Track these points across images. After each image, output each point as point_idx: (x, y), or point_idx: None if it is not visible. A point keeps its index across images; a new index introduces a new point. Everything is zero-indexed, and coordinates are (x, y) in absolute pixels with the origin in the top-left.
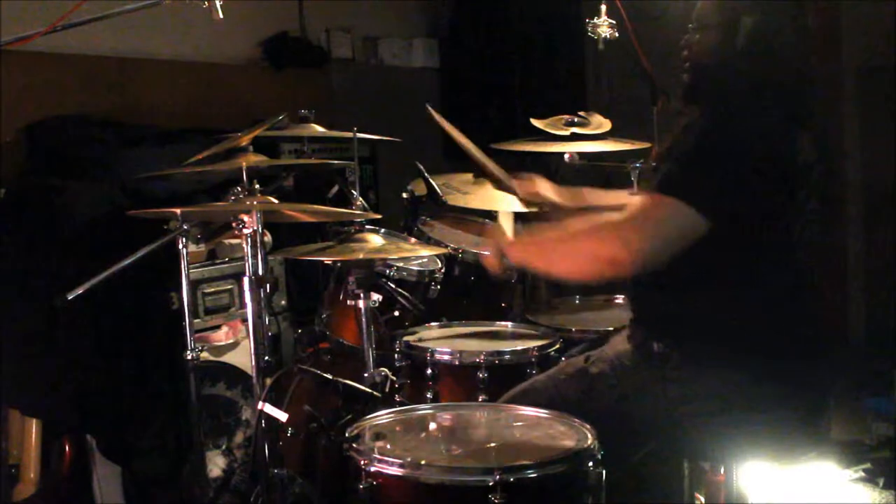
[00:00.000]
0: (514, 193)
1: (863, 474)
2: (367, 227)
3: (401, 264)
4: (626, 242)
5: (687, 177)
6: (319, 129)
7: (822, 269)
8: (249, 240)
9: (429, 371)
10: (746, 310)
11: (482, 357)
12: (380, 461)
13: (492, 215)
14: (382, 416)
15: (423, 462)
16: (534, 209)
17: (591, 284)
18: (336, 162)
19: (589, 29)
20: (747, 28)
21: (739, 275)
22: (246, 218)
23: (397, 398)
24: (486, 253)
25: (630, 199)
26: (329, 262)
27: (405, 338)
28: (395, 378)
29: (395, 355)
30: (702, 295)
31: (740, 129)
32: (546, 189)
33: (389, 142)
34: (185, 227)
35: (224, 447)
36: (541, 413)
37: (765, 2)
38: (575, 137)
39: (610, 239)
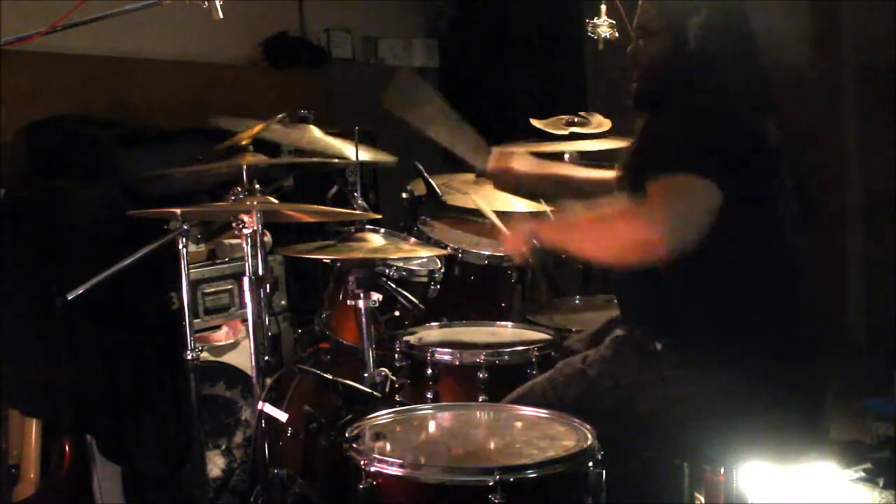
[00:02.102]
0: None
1: (863, 474)
2: (367, 227)
3: (401, 264)
4: (654, 223)
5: (686, 153)
6: (318, 132)
7: (822, 268)
8: (249, 240)
9: (429, 371)
10: (744, 308)
11: (482, 357)
12: (380, 461)
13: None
14: (382, 416)
15: (422, 462)
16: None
17: (624, 269)
18: (336, 161)
19: (589, 29)
20: (698, 31)
21: (732, 269)
22: (246, 218)
23: (397, 398)
24: (505, 230)
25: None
26: (329, 262)
27: (405, 338)
28: (395, 378)
29: (395, 355)
30: (698, 293)
31: (705, 124)
32: (521, 163)
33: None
34: (185, 227)
35: (224, 447)
36: (541, 413)
37: (707, 2)
38: (574, 137)
39: (638, 220)
